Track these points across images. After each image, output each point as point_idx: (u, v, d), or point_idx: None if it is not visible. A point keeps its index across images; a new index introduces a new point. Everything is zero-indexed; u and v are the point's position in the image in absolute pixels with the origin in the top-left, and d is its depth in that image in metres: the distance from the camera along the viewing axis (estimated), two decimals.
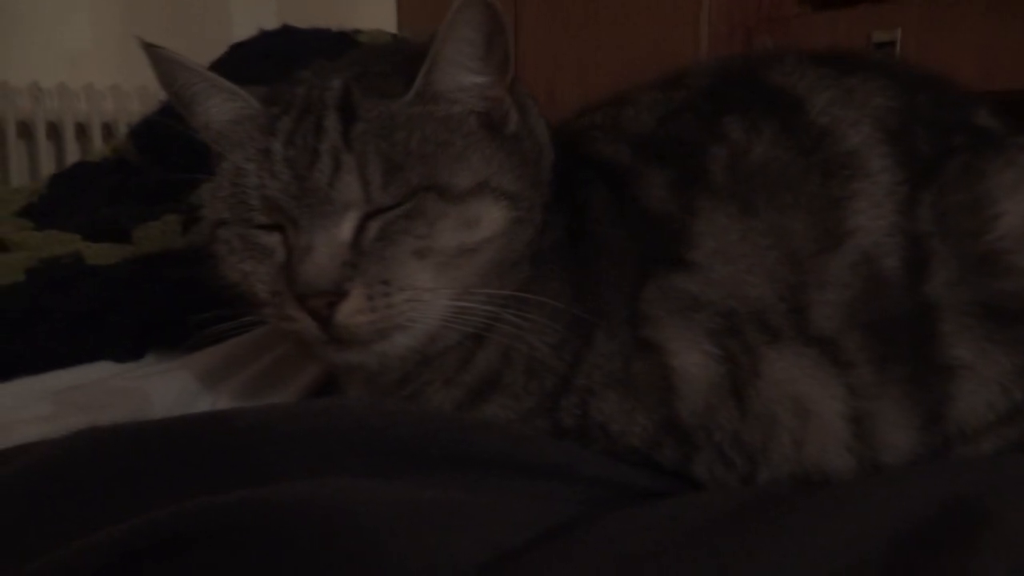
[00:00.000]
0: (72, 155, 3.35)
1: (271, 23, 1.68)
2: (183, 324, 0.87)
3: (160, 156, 1.36)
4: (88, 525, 0.57)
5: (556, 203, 0.80)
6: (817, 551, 0.57)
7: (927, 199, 0.75)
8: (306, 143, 0.72)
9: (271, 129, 0.74)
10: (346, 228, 0.72)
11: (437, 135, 0.73)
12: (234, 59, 1.49)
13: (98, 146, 3.30)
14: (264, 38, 1.58)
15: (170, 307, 1.05)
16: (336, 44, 1.49)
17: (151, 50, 0.77)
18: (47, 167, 3.33)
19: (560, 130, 0.86)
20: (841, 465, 0.75)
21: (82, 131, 3.41)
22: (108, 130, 3.44)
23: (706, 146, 0.78)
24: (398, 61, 0.78)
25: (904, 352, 0.74)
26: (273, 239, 0.74)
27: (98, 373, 1.01)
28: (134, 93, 3.47)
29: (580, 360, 0.76)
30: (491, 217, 0.73)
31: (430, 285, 0.72)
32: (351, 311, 0.70)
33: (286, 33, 1.58)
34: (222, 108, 0.78)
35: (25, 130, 3.36)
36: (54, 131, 3.40)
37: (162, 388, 0.97)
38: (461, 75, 0.74)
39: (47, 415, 0.93)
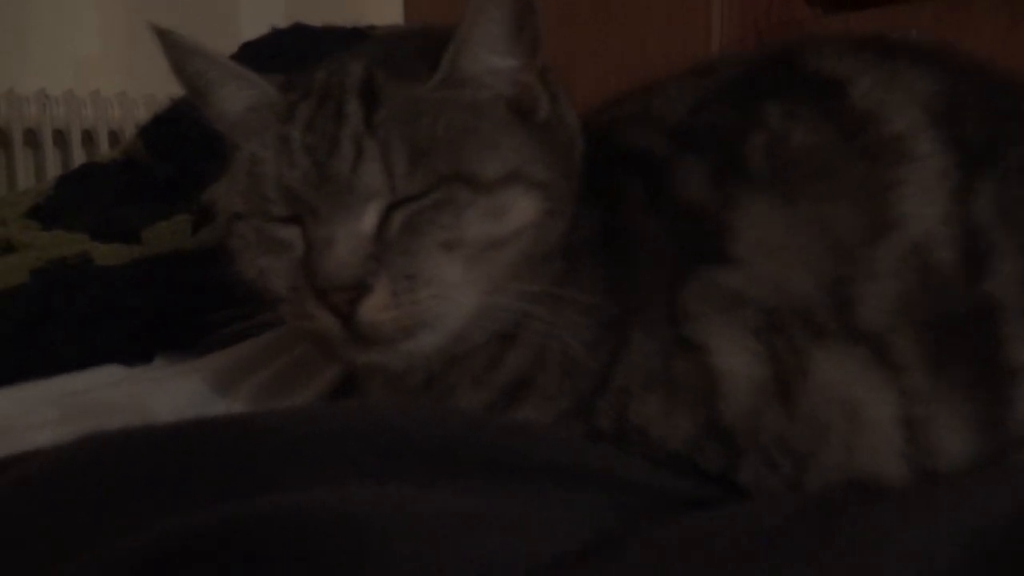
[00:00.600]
0: (78, 162, 3.31)
1: (279, 25, 1.65)
2: (194, 326, 0.83)
3: (170, 154, 1.32)
4: (96, 536, 0.53)
5: (587, 196, 0.76)
6: (885, 565, 0.52)
7: (987, 189, 0.71)
8: (326, 129, 0.69)
9: (289, 116, 0.71)
10: (369, 219, 0.68)
11: (464, 121, 0.69)
12: (245, 57, 1.46)
13: (105, 152, 3.27)
14: (275, 36, 1.55)
15: (181, 309, 1.01)
16: (349, 41, 1.45)
17: (163, 36, 0.74)
18: (53, 174, 3.28)
19: (587, 122, 0.82)
20: (894, 472, 0.71)
21: (89, 138, 3.39)
22: (115, 137, 3.41)
23: (744, 134, 0.75)
24: (422, 45, 0.74)
25: (962, 353, 0.70)
26: (291, 232, 0.71)
27: (106, 377, 0.98)
28: (141, 100, 3.44)
29: (617, 359, 0.72)
30: (521, 208, 0.70)
31: (458, 280, 0.69)
32: (375, 307, 0.67)
33: (297, 31, 1.55)
34: (237, 96, 0.74)
35: (32, 137, 3.34)
36: (61, 138, 3.37)
37: (173, 392, 0.94)
38: (490, 58, 0.71)
39: (54, 420, 0.90)
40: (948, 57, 0.80)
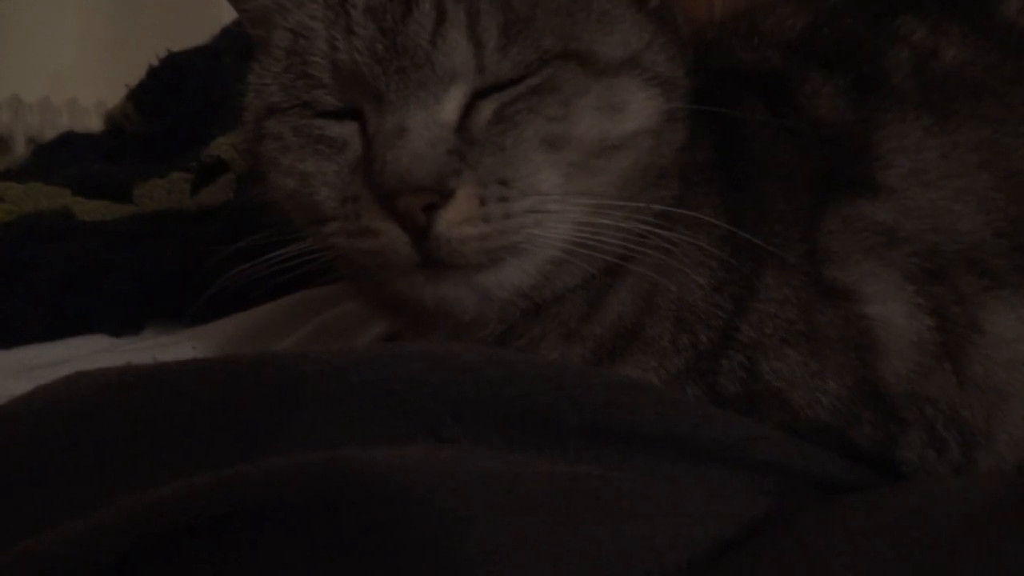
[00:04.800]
0: None
1: None
2: (191, 292, 0.67)
3: (165, 110, 1.17)
4: (93, 494, 0.40)
5: (698, 113, 0.64)
6: None
7: None
8: None
9: None
10: (451, 105, 0.55)
11: None
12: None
13: None
14: None
15: (177, 273, 0.86)
16: None
17: None
18: None
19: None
20: None
21: None
22: None
23: (881, 48, 0.66)
24: None
25: None
26: (346, 128, 0.57)
27: (87, 347, 0.83)
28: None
29: (745, 307, 0.60)
30: (640, 104, 0.58)
31: (558, 191, 0.56)
32: (457, 218, 0.53)
33: None
34: None
35: (3, 144, 3.19)
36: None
37: None
38: None
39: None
40: None
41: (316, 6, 0.57)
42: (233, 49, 1.13)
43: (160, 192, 0.97)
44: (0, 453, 0.44)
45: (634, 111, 0.57)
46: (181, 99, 1.14)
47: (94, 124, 3.25)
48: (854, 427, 0.58)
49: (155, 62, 1.27)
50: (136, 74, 1.85)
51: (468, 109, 0.55)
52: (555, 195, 0.55)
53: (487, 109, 0.55)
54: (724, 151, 0.64)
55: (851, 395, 0.58)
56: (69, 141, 1.28)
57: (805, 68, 0.67)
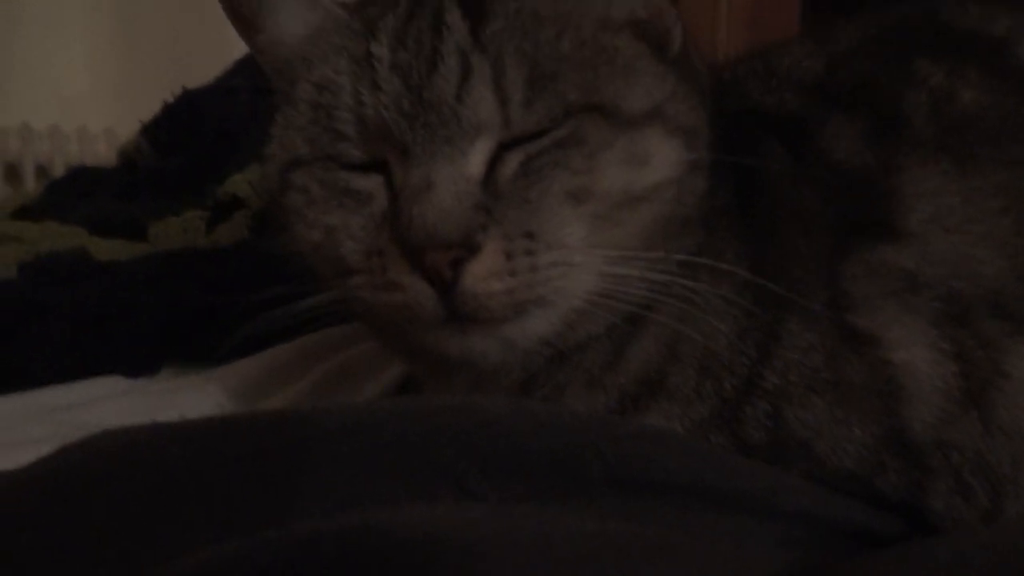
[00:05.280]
0: None
1: None
2: (209, 333, 0.67)
3: (181, 147, 1.17)
4: (130, 556, 0.39)
5: (717, 160, 0.64)
6: None
7: None
8: (422, 43, 0.56)
9: (371, 31, 0.57)
10: (477, 159, 0.55)
11: (597, 38, 0.56)
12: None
13: None
14: None
15: (193, 312, 0.86)
16: None
17: None
18: None
19: None
20: None
21: None
22: None
23: (899, 92, 0.66)
24: None
25: None
26: (371, 181, 0.57)
27: (105, 390, 0.83)
28: (129, 137, 3.32)
29: (769, 354, 0.59)
30: (664, 155, 0.58)
31: (582, 244, 0.56)
32: (484, 273, 0.53)
33: None
34: (298, 19, 0.62)
35: (12, 172, 3.20)
36: (43, 174, 3.23)
37: (187, 408, 0.78)
38: None
39: (40, 439, 0.73)
40: None
41: (342, 60, 0.57)
42: (248, 86, 1.13)
43: (175, 230, 0.97)
44: (22, 520, 0.43)
45: (658, 163, 0.57)
46: (196, 136, 1.15)
47: (103, 151, 3.26)
48: (880, 475, 0.58)
49: (164, 90, 1.28)
50: (146, 102, 1.85)
51: (493, 162, 0.55)
52: (580, 247, 0.55)
53: (512, 162, 0.55)
54: (744, 195, 0.64)
55: (877, 443, 0.58)
56: (81, 176, 1.28)
57: (824, 111, 0.67)
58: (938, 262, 0.60)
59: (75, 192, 1.18)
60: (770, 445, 0.58)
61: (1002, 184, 0.61)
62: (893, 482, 0.58)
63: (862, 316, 0.59)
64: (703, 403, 0.59)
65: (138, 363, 0.84)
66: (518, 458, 0.49)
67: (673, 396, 0.59)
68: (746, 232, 0.62)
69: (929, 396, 0.58)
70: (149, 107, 1.59)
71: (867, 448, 0.58)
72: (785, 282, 0.60)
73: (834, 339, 0.59)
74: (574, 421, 0.53)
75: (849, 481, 0.58)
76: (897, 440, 0.58)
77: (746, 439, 0.59)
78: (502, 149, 0.55)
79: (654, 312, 0.59)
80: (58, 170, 3.19)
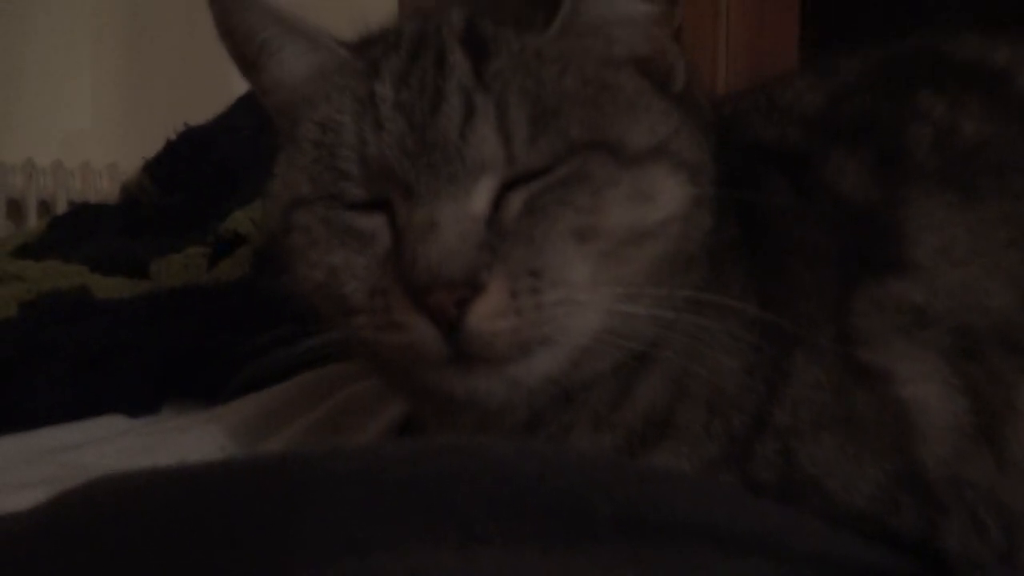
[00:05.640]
0: None
1: None
2: (210, 372, 0.67)
3: (182, 184, 1.17)
4: None
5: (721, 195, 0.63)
6: None
7: None
8: (425, 83, 0.55)
9: (374, 71, 0.57)
10: (481, 198, 0.55)
11: (600, 75, 0.56)
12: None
13: None
14: None
15: (194, 350, 0.85)
16: None
17: None
18: None
19: None
20: None
21: None
22: None
23: (902, 124, 0.66)
24: None
25: None
26: (374, 221, 0.56)
27: (106, 430, 0.82)
28: (131, 173, 3.32)
29: (778, 391, 0.59)
30: (669, 191, 0.57)
31: (588, 282, 0.55)
32: (489, 312, 0.52)
33: None
34: (300, 59, 0.61)
35: (15, 208, 3.20)
36: (46, 210, 3.23)
37: (189, 447, 0.77)
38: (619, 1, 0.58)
39: (38, 482, 0.73)
40: None
41: (345, 100, 0.57)
42: (250, 123, 1.13)
43: (177, 267, 0.97)
44: (20, 568, 0.42)
45: (664, 199, 0.56)
46: (198, 173, 1.15)
47: (107, 187, 3.27)
48: (893, 514, 0.57)
49: (167, 126, 1.28)
50: (149, 138, 1.85)
51: (498, 201, 0.55)
52: (585, 285, 0.54)
53: (517, 200, 0.55)
54: (749, 229, 0.63)
55: (889, 480, 0.57)
56: (84, 213, 1.28)
57: (827, 145, 0.66)
58: (946, 295, 0.60)
59: (78, 229, 1.19)
60: (781, 483, 0.58)
61: (1008, 215, 0.61)
62: (906, 520, 0.57)
63: (871, 351, 0.59)
64: (712, 442, 0.58)
65: (139, 402, 0.84)
66: (524, 500, 0.48)
67: (682, 435, 0.58)
68: (752, 267, 0.62)
69: (941, 432, 0.57)
70: (152, 143, 1.60)
71: (879, 486, 0.57)
72: (792, 317, 0.59)
73: (843, 375, 0.58)
74: (581, 462, 0.52)
75: (861, 520, 0.57)
76: (910, 477, 0.57)
77: (756, 478, 0.58)
78: (506, 187, 0.55)
79: (661, 349, 0.58)
80: (61, 206, 3.20)
